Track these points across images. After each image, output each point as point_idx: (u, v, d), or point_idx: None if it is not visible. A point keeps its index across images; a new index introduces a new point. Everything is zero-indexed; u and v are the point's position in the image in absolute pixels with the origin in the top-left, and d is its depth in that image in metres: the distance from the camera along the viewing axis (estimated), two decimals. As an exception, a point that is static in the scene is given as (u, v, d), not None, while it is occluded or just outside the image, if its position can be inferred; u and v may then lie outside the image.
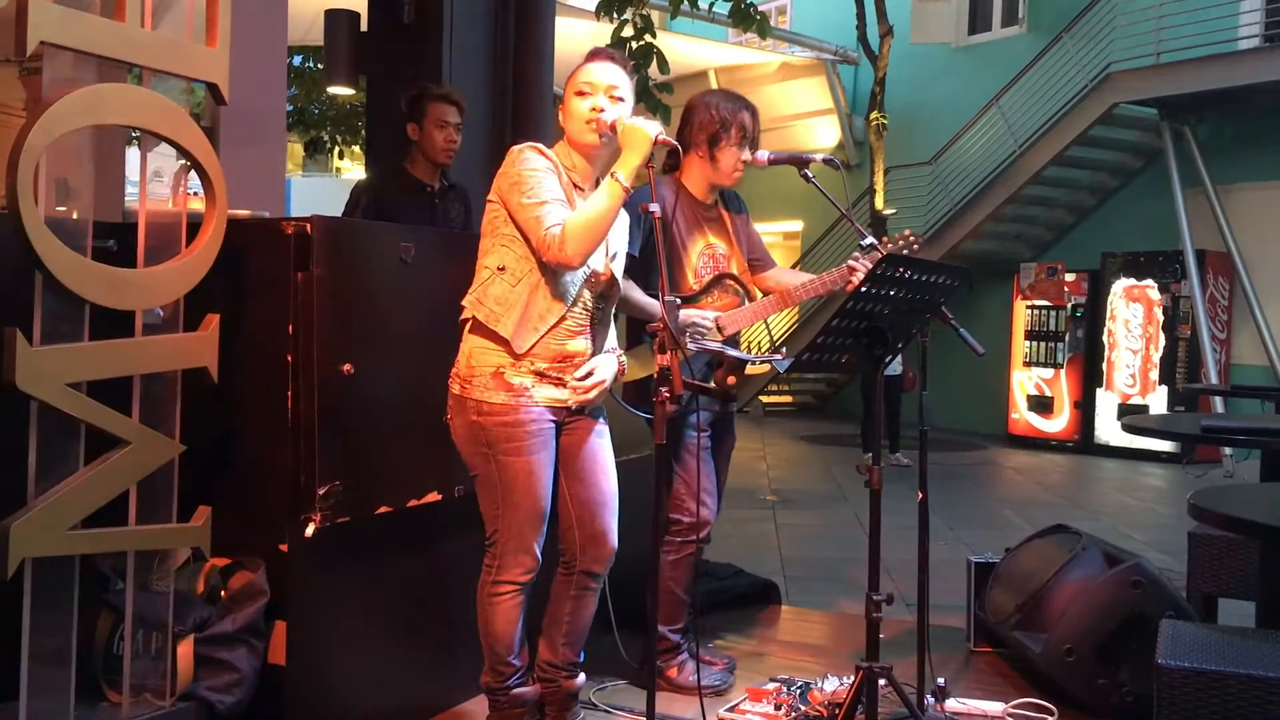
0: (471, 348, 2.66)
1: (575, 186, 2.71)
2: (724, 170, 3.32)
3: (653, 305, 3.22)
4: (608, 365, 2.76)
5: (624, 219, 2.85)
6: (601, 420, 2.83)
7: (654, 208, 2.54)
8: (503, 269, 2.64)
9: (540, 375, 2.65)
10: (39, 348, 2.20)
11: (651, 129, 2.59)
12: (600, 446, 2.81)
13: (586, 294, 2.72)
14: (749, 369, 3.22)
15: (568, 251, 2.55)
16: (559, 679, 2.84)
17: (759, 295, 3.43)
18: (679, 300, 3.07)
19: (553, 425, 2.70)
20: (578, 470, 2.77)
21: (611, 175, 2.59)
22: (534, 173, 2.61)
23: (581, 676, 2.89)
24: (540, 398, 2.66)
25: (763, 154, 3.29)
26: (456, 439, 2.69)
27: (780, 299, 3.38)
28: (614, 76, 2.70)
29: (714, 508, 3.39)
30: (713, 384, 3.18)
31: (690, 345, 3.13)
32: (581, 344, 2.72)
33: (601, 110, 2.67)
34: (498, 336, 2.61)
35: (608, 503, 2.80)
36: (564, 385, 2.70)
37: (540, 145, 2.68)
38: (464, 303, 2.69)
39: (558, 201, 2.60)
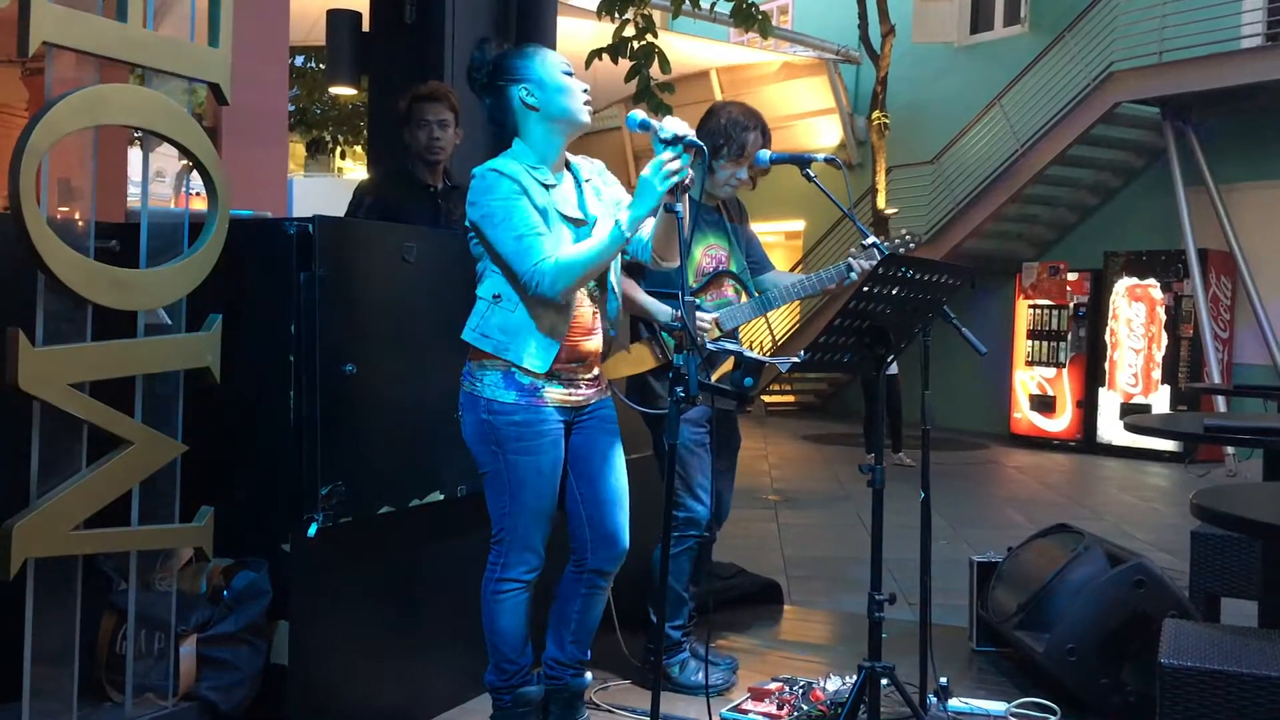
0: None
1: (545, 186, 2.64)
2: (718, 182, 3.36)
3: (653, 304, 3.23)
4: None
5: (611, 199, 2.81)
6: (612, 419, 2.83)
7: (679, 209, 2.52)
8: (498, 297, 2.62)
9: (551, 375, 2.65)
10: (42, 348, 2.20)
11: (664, 187, 2.49)
12: (611, 445, 2.81)
13: (590, 283, 2.69)
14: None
15: (554, 290, 2.52)
16: (565, 677, 2.84)
17: (757, 294, 3.44)
18: (700, 302, 3.06)
19: (562, 425, 2.70)
20: (589, 469, 2.77)
21: (615, 220, 2.53)
22: (503, 203, 2.56)
23: (588, 675, 2.89)
24: (550, 398, 2.66)
25: (764, 153, 3.29)
26: (467, 436, 2.69)
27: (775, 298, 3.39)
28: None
29: (709, 504, 3.38)
30: (716, 381, 3.19)
31: (709, 345, 3.12)
32: (596, 342, 2.73)
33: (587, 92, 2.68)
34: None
35: (619, 501, 2.80)
36: (574, 385, 2.70)
37: (499, 166, 2.60)
38: (465, 337, 2.66)
39: (534, 233, 2.55)
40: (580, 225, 2.68)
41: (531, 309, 2.60)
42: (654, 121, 2.55)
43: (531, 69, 2.65)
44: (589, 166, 2.83)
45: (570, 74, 2.67)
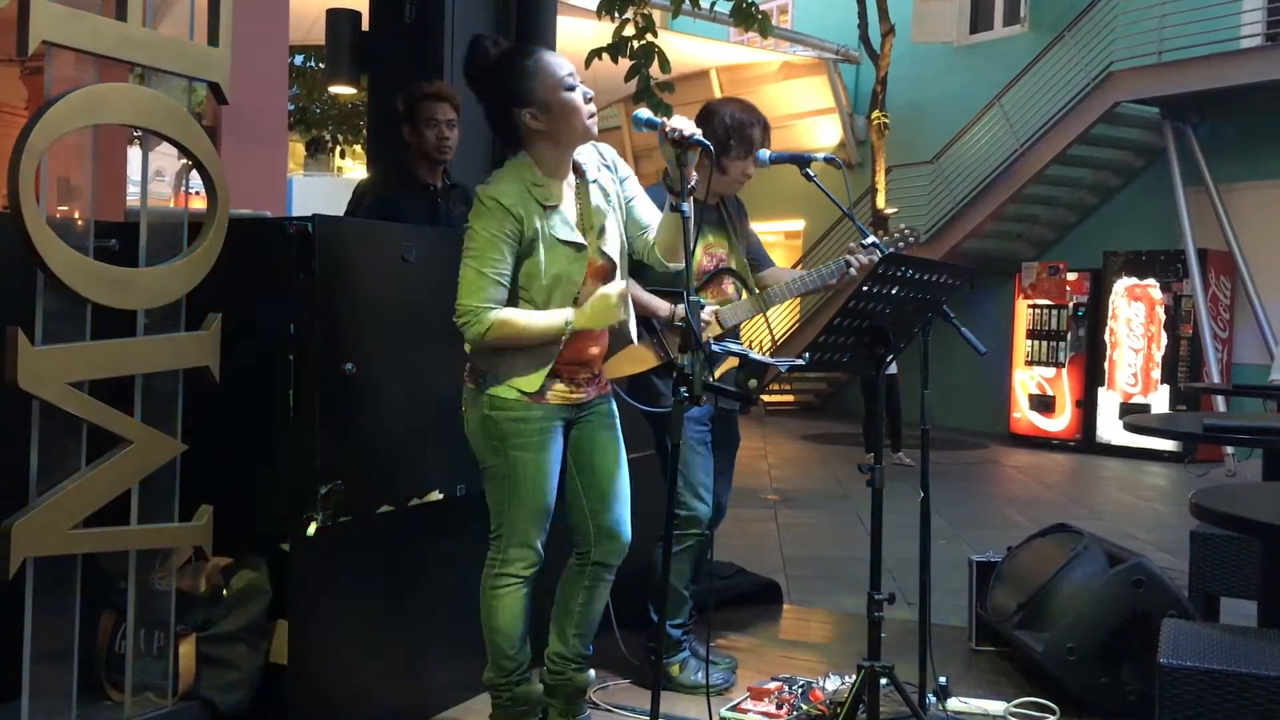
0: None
1: (546, 207, 2.61)
2: (729, 179, 3.37)
3: (653, 301, 3.23)
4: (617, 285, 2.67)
5: (619, 196, 2.79)
6: (612, 415, 2.83)
7: (686, 209, 2.51)
8: None
9: (553, 374, 2.65)
10: (41, 347, 2.20)
11: (620, 310, 2.57)
12: (612, 440, 2.82)
13: (590, 287, 2.68)
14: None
15: (477, 338, 2.54)
16: (569, 672, 2.84)
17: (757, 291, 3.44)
18: (702, 301, 3.05)
19: (562, 423, 2.71)
20: (591, 464, 2.78)
21: (565, 318, 2.56)
22: (483, 235, 2.55)
23: (591, 671, 2.89)
24: (552, 396, 2.66)
25: (764, 153, 3.30)
26: (469, 432, 2.70)
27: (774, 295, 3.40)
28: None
29: (710, 502, 3.38)
30: (719, 381, 3.19)
31: (715, 347, 3.12)
32: (601, 345, 2.75)
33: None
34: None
35: (621, 495, 2.81)
36: (576, 384, 2.71)
37: (497, 193, 2.56)
38: (466, 349, 2.67)
39: (490, 279, 2.54)
40: (579, 250, 2.65)
41: None
42: (661, 120, 2.54)
43: (535, 91, 2.58)
44: (596, 161, 2.78)
45: (573, 87, 2.60)
